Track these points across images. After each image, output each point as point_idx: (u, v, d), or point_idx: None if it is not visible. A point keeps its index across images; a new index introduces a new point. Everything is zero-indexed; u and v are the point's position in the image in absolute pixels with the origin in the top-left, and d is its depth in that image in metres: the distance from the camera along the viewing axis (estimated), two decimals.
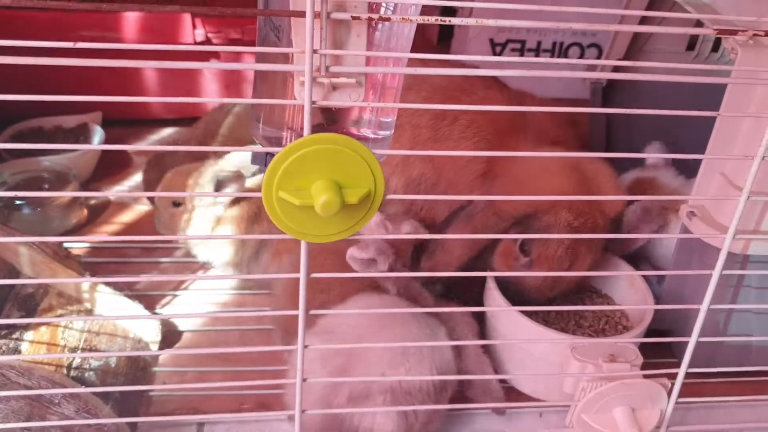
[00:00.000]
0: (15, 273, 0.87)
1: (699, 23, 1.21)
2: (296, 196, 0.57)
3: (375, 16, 0.54)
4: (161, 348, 0.96)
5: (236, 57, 1.49)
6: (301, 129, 0.64)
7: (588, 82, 1.25)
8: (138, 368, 0.90)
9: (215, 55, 1.47)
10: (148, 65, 0.54)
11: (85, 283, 0.90)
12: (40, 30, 1.36)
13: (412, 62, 0.71)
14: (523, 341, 0.89)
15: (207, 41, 1.42)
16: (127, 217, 1.29)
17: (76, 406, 0.71)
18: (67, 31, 1.38)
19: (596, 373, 0.79)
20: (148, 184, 1.26)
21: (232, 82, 1.53)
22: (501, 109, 0.94)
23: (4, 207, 1.15)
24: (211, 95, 1.53)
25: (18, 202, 1.15)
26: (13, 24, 1.33)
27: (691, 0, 0.84)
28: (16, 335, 0.80)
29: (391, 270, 0.87)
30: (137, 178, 1.40)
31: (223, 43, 1.44)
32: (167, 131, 1.56)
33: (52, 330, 0.84)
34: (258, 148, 0.68)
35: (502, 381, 0.94)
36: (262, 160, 0.67)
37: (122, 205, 1.32)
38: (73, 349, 0.84)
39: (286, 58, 0.61)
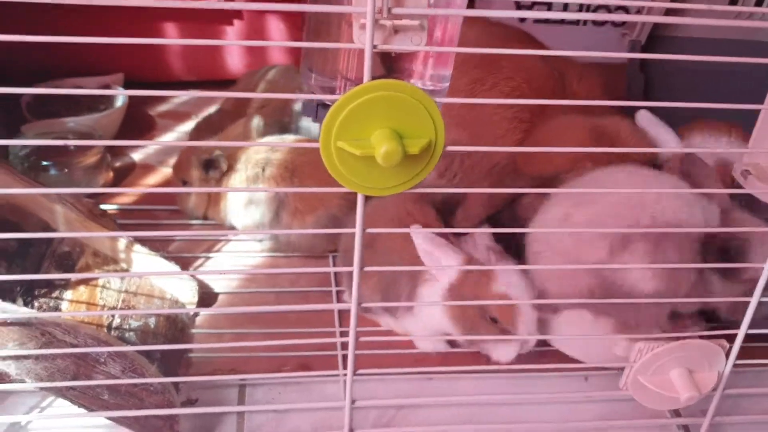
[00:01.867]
0: (50, 231, 0.85)
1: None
2: (356, 146, 0.55)
3: None
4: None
5: (259, 18, 1.46)
6: (356, 78, 0.62)
7: (627, 40, 1.21)
8: (177, 329, 0.88)
9: (238, 15, 1.44)
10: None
11: (121, 242, 0.88)
12: None
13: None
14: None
15: None
16: (153, 179, 1.27)
17: (122, 365, 0.70)
18: None
19: (650, 336, 0.77)
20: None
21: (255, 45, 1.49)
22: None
23: (30, 168, 1.13)
24: (234, 58, 1.50)
25: (44, 162, 1.13)
26: None
27: None
28: (55, 294, 0.79)
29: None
30: (162, 140, 1.38)
31: None
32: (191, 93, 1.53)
33: (90, 289, 0.83)
34: (310, 96, 0.64)
35: (545, 343, 0.92)
36: (312, 111, 0.64)
37: (148, 167, 1.29)
38: (112, 309, 0.82)
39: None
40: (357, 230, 0.63)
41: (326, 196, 1.03)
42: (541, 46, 1.00)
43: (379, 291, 0.90)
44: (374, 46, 0.53)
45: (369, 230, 0.64)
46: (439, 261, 0.80)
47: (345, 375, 0.86)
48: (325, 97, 0.55)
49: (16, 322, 0.65)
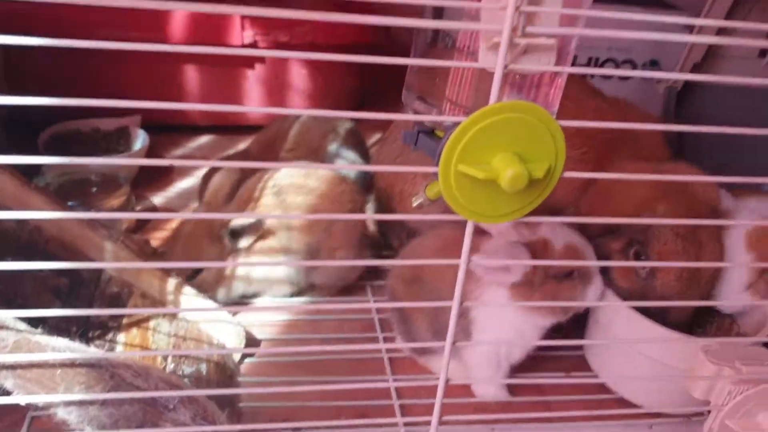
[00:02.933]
0: (98, 271, 0.80)
1: None
2: (479, 170, 0.52)
3: None
4: (243, 355, 0.89)
5: (282, 63, 1.45)
6: (465, 102, 0.60)
7: (663, 87, 1.23)
8: (226, 376, 0.83)
9: (261, 60, 1.42)
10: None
11: (170, 283, 0.83)
12: (85, 27, 1.30)
13: None
14: (640, 340, 0.84)
15: (254, 44, 1.37)
16: (176, 223, 1.22)
17: (194, 411, 0.64)
18: (111, 28, 1.32)
19: (735, 376, 0.74)
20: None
21: (275, 89, 1.47)
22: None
23: None
24: (253, 103, 1.48)
25: (70, 203, 1.08)
26: (62, 21, 1.27)
27: None
28: (109, 336, 0.73)
29: (529, 282, 0.79)
30: (180, 185, 1.34)
31: (270, 46, 1.39)
32: (205, 139, 1.50)
33: (142, 332, 0.77)
34: (423, 117, 0.61)
35: (605, 389, 0.89)
36: (412, 139, 0.61)
37: (170, 211, 1.25)
38: (164, 354, 0.77)
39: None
40: (462, 261, 0.60)
41: (352, 231, 1.02)
42: (603, 93, 1.00)
43: (428, 325, 0.87)
44: (505, 66, 0.51)
45: (475, 261, 0.61)
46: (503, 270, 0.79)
47: (404, 424, 0.83)
48: (453, 119, 0.52)
49: (84, 364, 0.60)
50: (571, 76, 0.61)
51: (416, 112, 0.62)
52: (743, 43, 1.14)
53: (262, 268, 0.99)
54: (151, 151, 1.33)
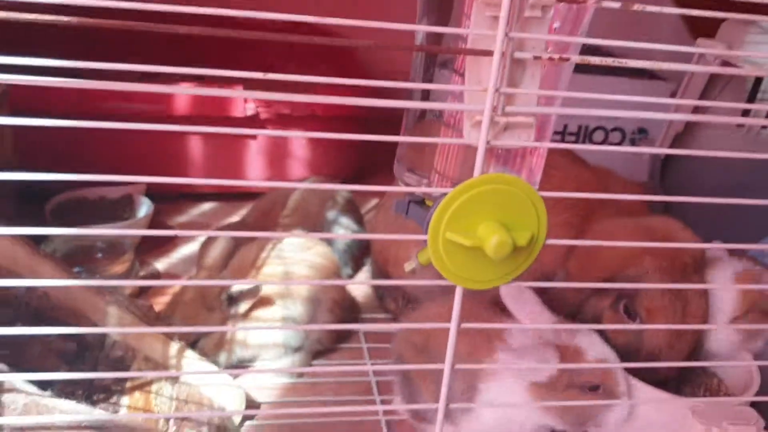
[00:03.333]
0: (103, 335, 0.82)
1: (746, 112, 1.26)
2: (466, 237, 0.56)
3: (556, 56, 0.55)
4: (243, 418, 0.90)
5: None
6: (452, 175, 0.64)
7: (648, 156, 1.28)
8: None
9: (262, 128, 1.48)
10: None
11: (173, 347, 0.85)
12: (92, 99, 1.36)
13: None
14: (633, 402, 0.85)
15: (256, 115, 1.43)
16: (177, 288, 1.25)
17: None
18: (114, 100, 1.38)
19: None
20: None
21: (277, 158, 1.53)
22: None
23: None
24: (256, 172, 1.53)
25: (75, 269, 1.11)
26: (70, 93, 1.33)
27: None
28: (113, 399, 0.75)
29: (552, 385, 0.78)
30: (183, 250, 1.37)
31: (272, 118, 1.45)
32: (208, 206, 1.54)
33: (145, 396, 0.79)
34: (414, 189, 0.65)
35: None
36: (403, 208, 0.65)
37: (173, 277, 1.28)
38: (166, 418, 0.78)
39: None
40: (452, 325, 0.63)
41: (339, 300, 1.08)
42: (583, 160, 1.05)
43: (433, 394, 0.87)
44: (487, 143, 0.55)
45: (465, 325, 0.64)
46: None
47: None
48: (441, 190, 0.56)
49: (90, 426, 0.62)
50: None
51: (406, 184, 0.66)
52: (717, 120, 1.21)
53: (259, 333, 1.02)
54: (155, 218, 1.37)
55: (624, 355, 0.88)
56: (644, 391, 0.83)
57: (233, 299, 0.98)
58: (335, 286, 1.08)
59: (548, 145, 0.59)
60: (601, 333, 0.88)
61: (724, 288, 0.91)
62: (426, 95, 0.66)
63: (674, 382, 0.93)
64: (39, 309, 0.79)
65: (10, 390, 0.59)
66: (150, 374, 0.80)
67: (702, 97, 1.18)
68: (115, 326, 0.82)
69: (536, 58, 0.54)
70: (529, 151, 0.65)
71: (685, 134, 1.25)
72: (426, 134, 0.64)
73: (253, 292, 0.97)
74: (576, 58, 0.58)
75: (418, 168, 0.65)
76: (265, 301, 1.00)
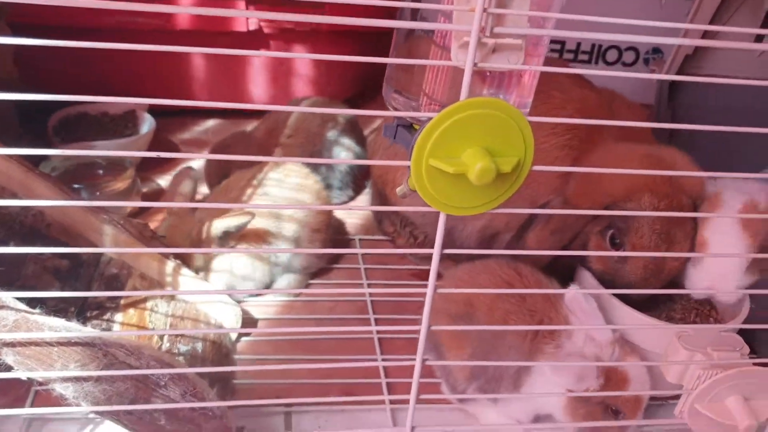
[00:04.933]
0: (98, 253, 0.84)
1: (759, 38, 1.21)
2: (449, 164, 0.55)
3: None
4: (240, 334, 0.93)
5: (287, 47, 1.47)
6: (441, 98, 0.62)
7: (655, 81, 1.24)
8: (222, 354, 0.86)
9: (266, 46, 1.45)
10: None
11: (168, 265, 0.87)
12: (94, 13, 1.33)
13: None
14: (623, 327, 0.86)
15: (259, 29, 1.39)
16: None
17: (183, 388, 0.68)
18: (120, 15, 1.35)
19: (706, 362, 0.77)
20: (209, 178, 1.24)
21: (280, 74, 1.50)
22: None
23: None
24: (258, 87, 1.51)
25: (76, 185, 1.11)
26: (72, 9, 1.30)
27: None
28: (107, 316, 0.77)
29: (585, 399, 0.78)
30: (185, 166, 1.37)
31: (275, 32, 1.41)
32: (211, 122, 1.53)
33: (139, 312, 0.81)
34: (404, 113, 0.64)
35: None
36: (392, 132, 0.64)
37: (174, 194, 1.28)
38: (161, 331, 0.80)
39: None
40: (435, 250, 0.62)
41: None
42: (590, 82, 1.02)
43: (472, 370, 0.84)
44: (475, 64, 0.54)
45: (447, 251, 0.63)
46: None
47: (391, 402, 0.86)
48: (420, 115, 0.55)
49: (79, 342, 0.63)
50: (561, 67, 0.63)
51: (393, 107, 0.64)
52: (729, 46, 1.15)
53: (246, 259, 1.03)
54: (157, 135, 1.37)
55: (601, 277, 0.89)
56: (631, 315, 0.84)
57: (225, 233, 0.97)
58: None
59: (539, 68, 0.57)
60: (586, 259, 0.89)
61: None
62: (415, 12, 0.64)
63: (665, 308, 0.93)
64: (34, 227, 0.80)
65: (1, 307, 0.60)
66: (144, 294, 0.81)
67: (715, 17, 1.13)
68: (111, 245, 0.83)
69: None
70: (520, 72, 0.63)
71: (694, 56, 1.20)
72: (415, 52, 0.62)
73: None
74: None
75: (406, 90, 0.63)
76: (257, 234, 1.01)
